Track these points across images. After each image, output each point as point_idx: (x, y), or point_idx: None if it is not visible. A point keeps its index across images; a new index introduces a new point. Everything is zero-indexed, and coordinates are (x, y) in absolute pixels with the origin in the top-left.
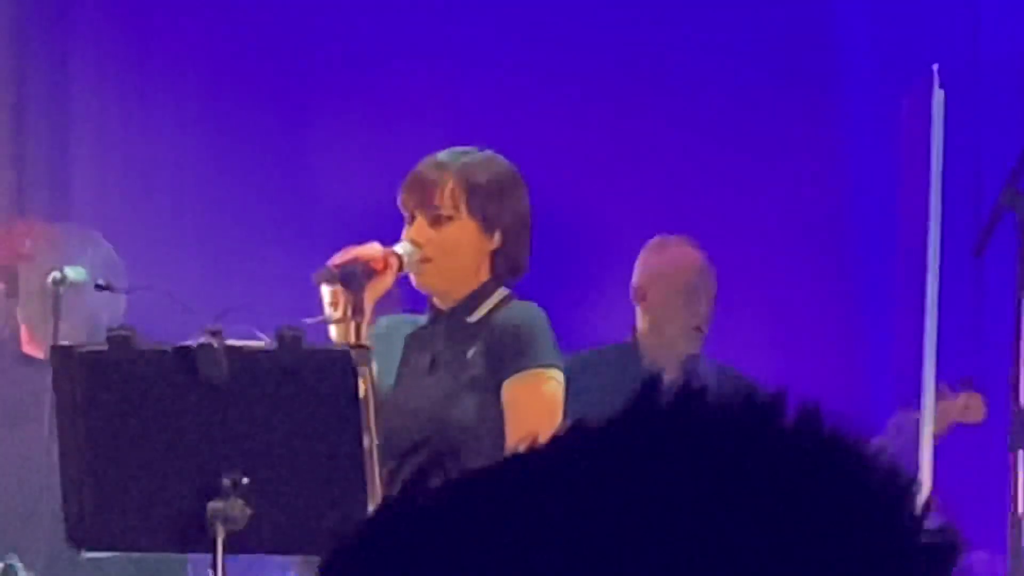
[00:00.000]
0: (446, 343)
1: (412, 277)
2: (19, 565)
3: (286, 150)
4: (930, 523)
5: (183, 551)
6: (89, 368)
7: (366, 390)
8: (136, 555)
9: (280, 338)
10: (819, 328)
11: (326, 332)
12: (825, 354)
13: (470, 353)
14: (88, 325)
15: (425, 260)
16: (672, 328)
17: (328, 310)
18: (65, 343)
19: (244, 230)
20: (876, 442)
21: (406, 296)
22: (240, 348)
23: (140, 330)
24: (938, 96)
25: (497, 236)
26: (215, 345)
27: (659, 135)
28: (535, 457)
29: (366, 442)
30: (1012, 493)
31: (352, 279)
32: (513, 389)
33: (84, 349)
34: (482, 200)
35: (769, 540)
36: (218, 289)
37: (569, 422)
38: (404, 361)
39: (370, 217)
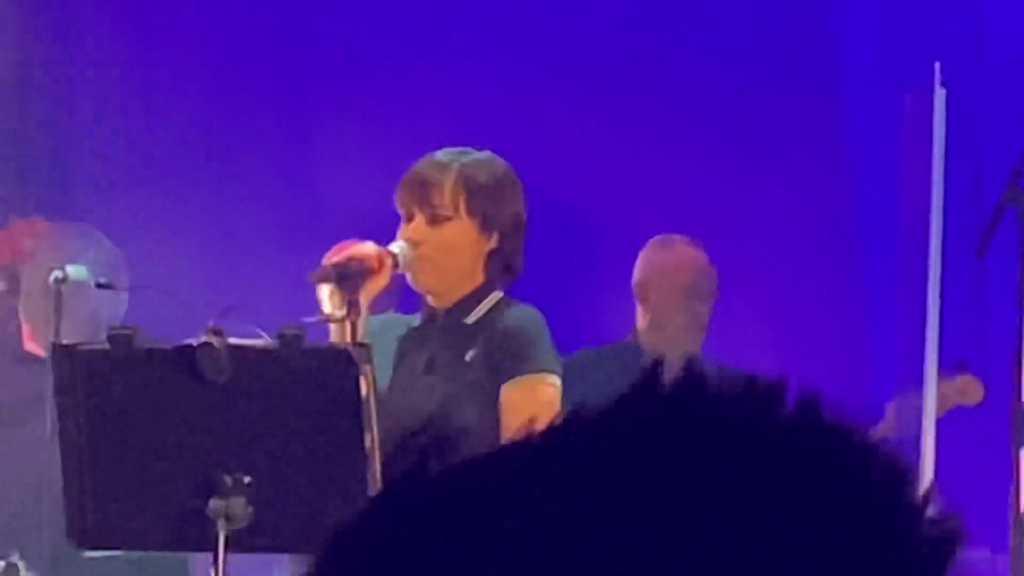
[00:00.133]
0: (443, 344)
1: (408, 276)
2: (21, 564)
3: (288, 149)
4: (931, 512)
5: (185, 549)
6: (90, 367)
7: (367, 389)
8: (137, 554)
9: (281, 337)
10: (821, 327)
11: (326, 331)
12: (827, 353)
13: (468, 355)
14: (90, 324)
15: (422, 259)
16: (672, 326)
17: (327, 309)
18: (66, 342)
19: (246, 229)
20: (876, 429)
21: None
22: (241, 347)
23: (142, 329)
24: (940, 94)
25: (494, 237)
26: (216, 344)
27: (660, 133)
28: (533, 444)
29: (367, 440)
30: (1014, 491)
31: (347, 278)
32: (511, 393)
33: (85, 348)
34: (481, 201)
35: (767, 527)
36: (219, 288)
37: (567, 412)
38: (399, 361)
39: (371, 216)
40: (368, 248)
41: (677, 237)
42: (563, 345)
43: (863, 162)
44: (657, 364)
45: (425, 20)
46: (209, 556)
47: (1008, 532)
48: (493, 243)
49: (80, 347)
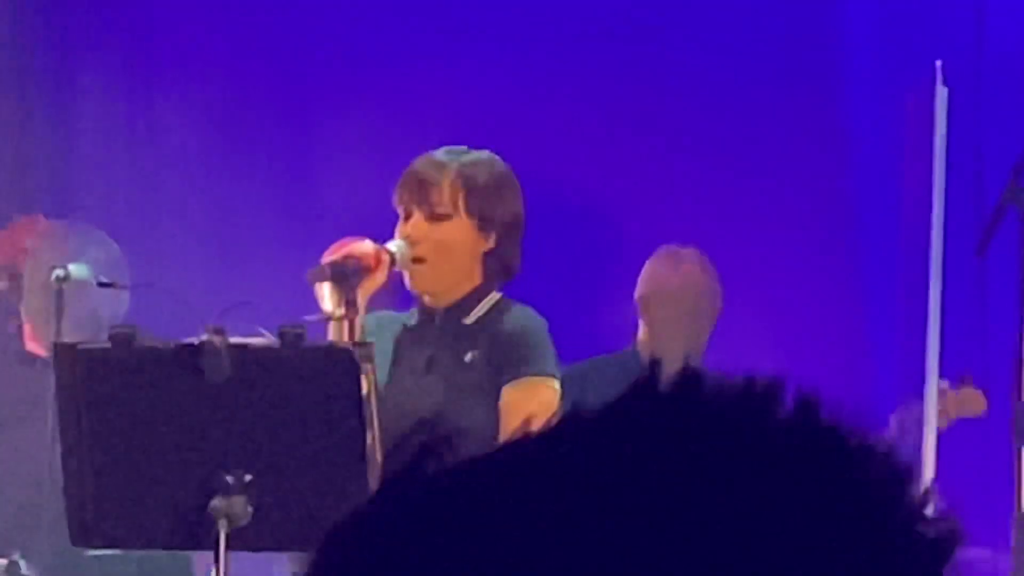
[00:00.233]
0: (442, 344)
1: (405, 276)
2: (22, 562)
3: (288, 148)
4: (929, 512)
5: (186, 548)
6: (92, 366)
7: (368, 387)
8: (139, 552)
9: (282, 336)
10: (821, 325)
11: (326, 330)
12: (828, 352)
13: (468, 356)
14: (91, 323)
15: (419, 260)
16: (672, 345)
17: (327, 307)
18: (68, 340)
19: (246, 228)
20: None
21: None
22: (243, 346)
23: (143, 328)
24: (941, 93)
25: (492, 237)
26: (218, 343)
27: (660, 134)
28: (530, 445)
29: (368, 439)
30: (1016, 490)
31: (344, 276)
32: (511, 395)
33: (87, 347)
34: (480, 200)
35: (765, 527)
36: (221, 287)
37: (565, 412)
38: (397, 360)
39: (371, 215)
40: (365, 246)
41: (684, 252)
42: (564, 351)
43: (864, 160)
44: (655, 365)
45: (426, 19)
46: (210, 554)
47: (1009, 531)
48: (491, 243)
49: (81, 346)
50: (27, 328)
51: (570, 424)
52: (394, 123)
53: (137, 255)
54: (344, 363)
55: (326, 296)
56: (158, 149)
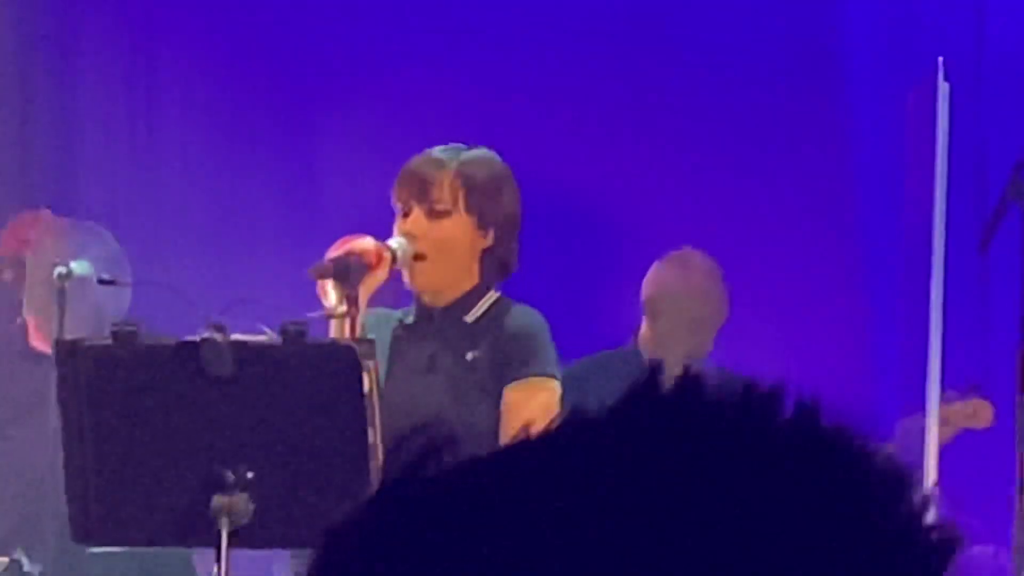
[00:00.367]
0: (442, 343)
1: (404, 273)
2: (25, 560)
3: (290, 146)
4: (930, 517)
5: (187, 545)
6: (94, 363)
7: (370, 384)
8: (141, 550)
9: (284, 332)
10: (824, 323)
11: (328, 327)
12: (829, 350)
13: (470, 355)
14: (93, 320)
15: (419, 257)
16: (677, 348)
17: (330, 304)
18: (70, 337)
19: (248, 225)
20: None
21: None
22: (244, 343)
23: (144, 325)
24: (943, 89)
25: (490, 234)
26: (219, 339)
27: (662, 130)
28: (531, 446)
29: (370, 436)
30: (1017, 487)
31: (346, 273)
32: (513, 395)
33: (89, 344)
34: (479, 197)
35: (766, 530)
36: (222, 284)
37: (566, 414)
38: (395, 358)
39: (373, 213)
40: (367, 243)
41: (694, 257)
42: (564, 349)
43: (867, 157)
44: (656, 368)
45: (427, 17)
46: (211, 552)
47: (1010, 528)
48: (489, 240)
49: (83, 343)
50: (31, 325)
51: (571, 426)
52: (395, 120)
53: (139, 252)
54: (346, 360)
55: (329, 292)
56: (160, 147)
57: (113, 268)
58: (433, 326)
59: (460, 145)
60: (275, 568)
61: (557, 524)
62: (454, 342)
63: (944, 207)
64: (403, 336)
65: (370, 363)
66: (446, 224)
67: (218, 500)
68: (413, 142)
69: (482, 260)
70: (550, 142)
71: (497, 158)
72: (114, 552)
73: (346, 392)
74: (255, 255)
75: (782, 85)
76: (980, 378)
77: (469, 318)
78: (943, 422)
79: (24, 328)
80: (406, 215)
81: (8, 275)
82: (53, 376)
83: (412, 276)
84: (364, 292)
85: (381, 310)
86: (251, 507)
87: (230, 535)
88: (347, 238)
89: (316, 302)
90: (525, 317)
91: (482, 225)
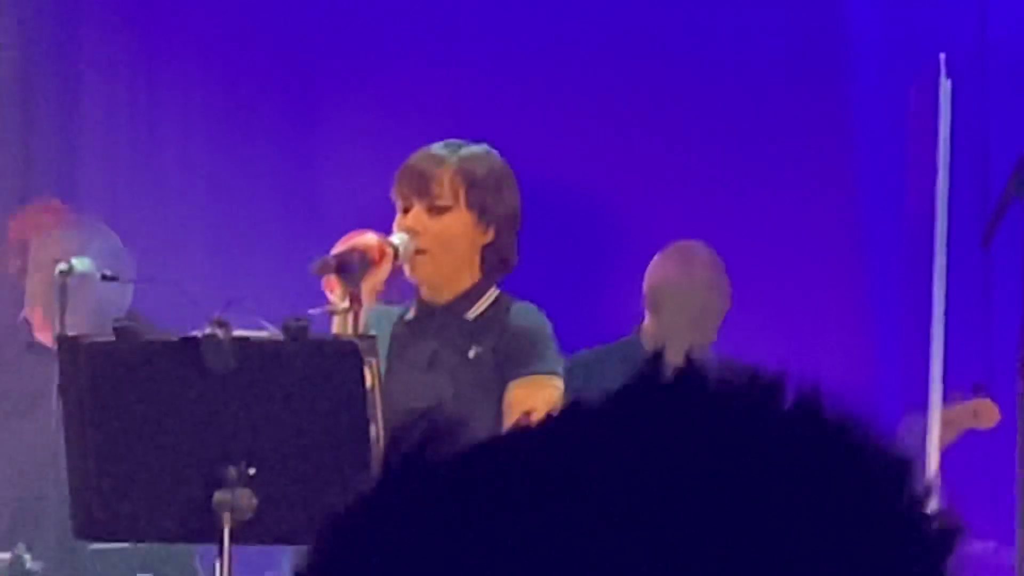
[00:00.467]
0: (444, 340)
1: (406, 268)
2: (27, 556)
3: (292, 142)
4: (932, 505)
5: (190, 541)
6: (96, 359)
7: (372, 380)
8: (143, 546)
9: (286, 329)
10: (825, 318)
11: (330, 323)
12: (831, 346)
13: (472, 352)
14: (95, 316)
15: (421, 251)
16: (679, 340)
17: (334, 300)
18: (72, 334)
19: (250, 221)
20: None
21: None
22: (246, 339)
23: (146, 321)
24: (945, 85)
25: (491, 230)
26: (221, 336)
27: (664, 129)
28: (532, 433)
29: (372, 432)
30: (1020, 483)
31: (349, 269)
32: (516, 392)
33: (91, 340)
34: (480, 193)
35: (766, 518)
36: (224, 280)
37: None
38: (395, 355)
39: (375, 209)
40: (369, 239)
41: (695, 248)
42: (566, 341)
43: (869, 153)
44: (657, 356)
45: (428, 14)
46: (214, 548)
47: (1014, 524)
48: (489, 236)
49: (85, 339)
50: (36, 317)
51: (571, 414)
52: (397, 117)
53: (141, 249)
54: (348, 356)
55: (336, 289)
56: (162, 144)
57: (115, 265)
58: (434, 323)
59: (459, 141)
60: (280, 564)
61: (557, 511)
62: (455, 339)
63: (946, 203)
64: (404, 333)
65: (372, 359)
66: (447, 220)
67: (220, 496)
68: (414, 138)
69: (483, 256)
70: (552, 136)
71: (496, 154)
72: (116, 548)
73: (348, 388)
74: (256, 252)
75: (785, 81)
76: (982, 372)
77: (470, 315)
78: (948, 423)
79: (28, 321)
80: (406, 211)
81: (15, 264)
82: (56, 370)
83: (413, 268)
84: (367, 288)
85: (380, 307)
86: (253, 503)
87: (232, 531)
88: (352, 234)
89: (317, 298)
90: (527, 315)
91: (483, 221)
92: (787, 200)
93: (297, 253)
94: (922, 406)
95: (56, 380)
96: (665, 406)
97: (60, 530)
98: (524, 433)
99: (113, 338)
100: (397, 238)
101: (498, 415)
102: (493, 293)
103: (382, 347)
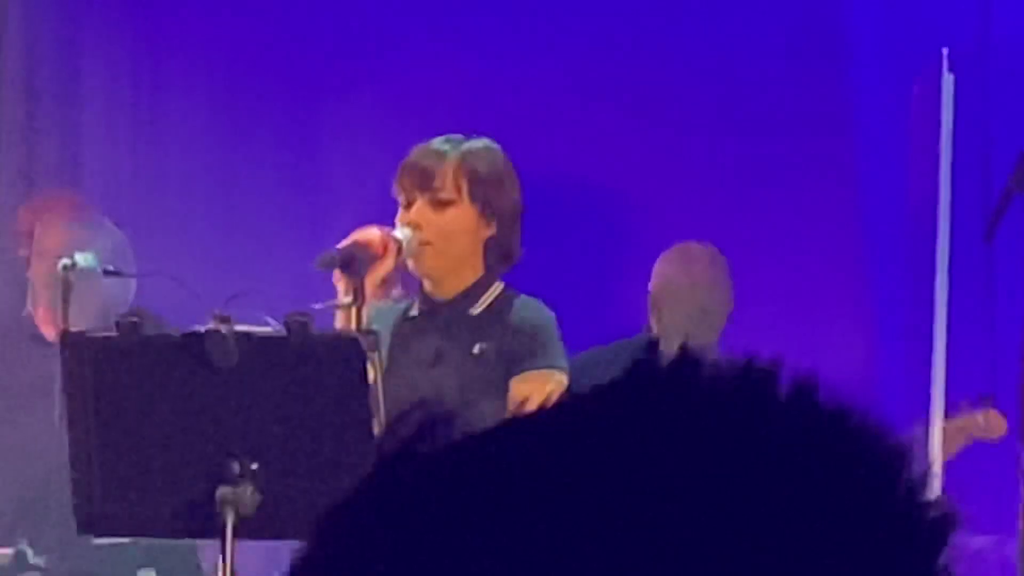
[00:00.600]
0: (448, 336)
1: (409, 262)
2: (30, 551)
3: (294, 138)
4: (928, 494)
5: (193, 537)
6: (99, 354)
7: (375, 375)
8: (145, 541)
9: (289, 324)
10: (827, 313)
11: (333, 318)
12: (832, 341)
13: (476, 348)
14: (98, 311)
15: (424, 244)
16: (681, 341)
17: (339, 295)
18: (75, 329)
19: (252, 217)
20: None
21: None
22: (249, 334)
23: (149, 316)
24: (948, 80)
25: (494, 224)
26: (224, 331)
27: (667, 125)
28: (527, 423)
29: (375, 427)
30: (1022, 477)
31: (353, 264)
32: (520, 387)
33: (94, 335)
34: (482, 187)
35: (761, 507)
36: (227, 275)
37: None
38: (398, 350)
39: (379, 204)
40: (373, 234)
41: (697, 250)
42: (571, 341)
43: (871, 148)
44: (653, 346)
45: (433, 10)
46: (217, 543)
47: (1015, 518)
48: (492, 230)
49: (88, 334)
50: (40, 311)
51: (564, 404)
52: (401, 112)
53: (143, 244)
54: (350, 351)
55: (341, 284)
56: (164, 138)
57: (118, 260)
58: (438, 319)
59: (460, 136)
60: (282, 560)
61: (550, 500)
62: (460, 335)
63: (948, 197)
64: (405, 329)
65: (374, 354)
66: (450, 213)
67: (223, 491)
68: (417, 133)
69: (486, 250)
70: (557, 133)
71: (498, 148)
72: (119, 543)
73: (351, 383)
74: (259, 247)
75: (787, 76)
76: (986, 367)
77: (475, 310)
78: (954, 433)
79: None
80: (409, 206)
81: (25, 251)
82: (59, 364)
83: (416, 260)
84: (370, 283)
85: (382, 303)
86: (256, 498)
87: (235, 526)
88: (359, 230)
89: (320, 293)
90: (532, 310)
91: (485, 214)
92: (790, 196)
93: (300, 248)
94: (926, 405)
95: (59, 374)
96: (659, 394)
97: (63, 525)
98: (517, 423)
99: (115, 333)
100: (400, 232)
101: (503, 410)
102: (497, 288)
103: (383, 342)
